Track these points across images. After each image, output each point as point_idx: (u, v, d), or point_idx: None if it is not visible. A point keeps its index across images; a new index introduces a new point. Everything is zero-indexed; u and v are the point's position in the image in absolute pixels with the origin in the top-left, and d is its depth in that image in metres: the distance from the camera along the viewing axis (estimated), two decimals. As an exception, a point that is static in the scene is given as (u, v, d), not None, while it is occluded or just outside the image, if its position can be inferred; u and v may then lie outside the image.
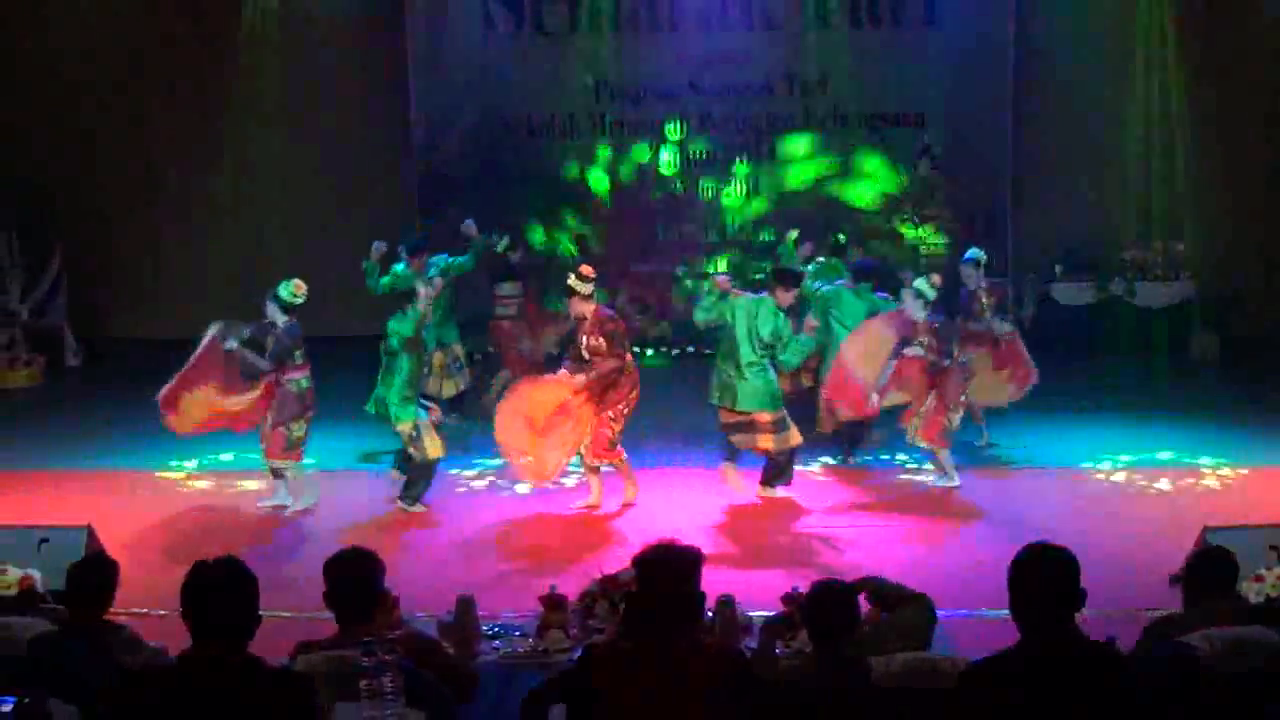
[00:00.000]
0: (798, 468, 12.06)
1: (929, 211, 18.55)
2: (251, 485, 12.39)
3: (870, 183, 18.58)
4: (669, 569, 5.32)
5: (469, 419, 14.22)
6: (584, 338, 11.52)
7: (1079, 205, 18.40)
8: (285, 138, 18.99)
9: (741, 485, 11.83)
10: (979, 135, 18.36)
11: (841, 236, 14.91)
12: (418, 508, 11.65)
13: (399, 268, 13.88)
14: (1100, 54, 18.20)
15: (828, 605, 6.14)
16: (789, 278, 11.80)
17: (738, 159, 18.68)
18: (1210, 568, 6.61)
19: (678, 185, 18.80)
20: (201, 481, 12.82)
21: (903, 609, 6.75)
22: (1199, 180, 18.22)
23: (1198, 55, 18.03)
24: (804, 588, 6.57)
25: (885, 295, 13.15)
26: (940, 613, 8.77)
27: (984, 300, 13.12)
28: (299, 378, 11.59)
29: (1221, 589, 6.50)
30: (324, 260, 16.61)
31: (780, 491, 11.82)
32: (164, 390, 11.62)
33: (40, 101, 18.93)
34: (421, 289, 11.74)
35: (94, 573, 6.72)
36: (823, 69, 18.38)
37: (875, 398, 12.13)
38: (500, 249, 14.89)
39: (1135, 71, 18.24)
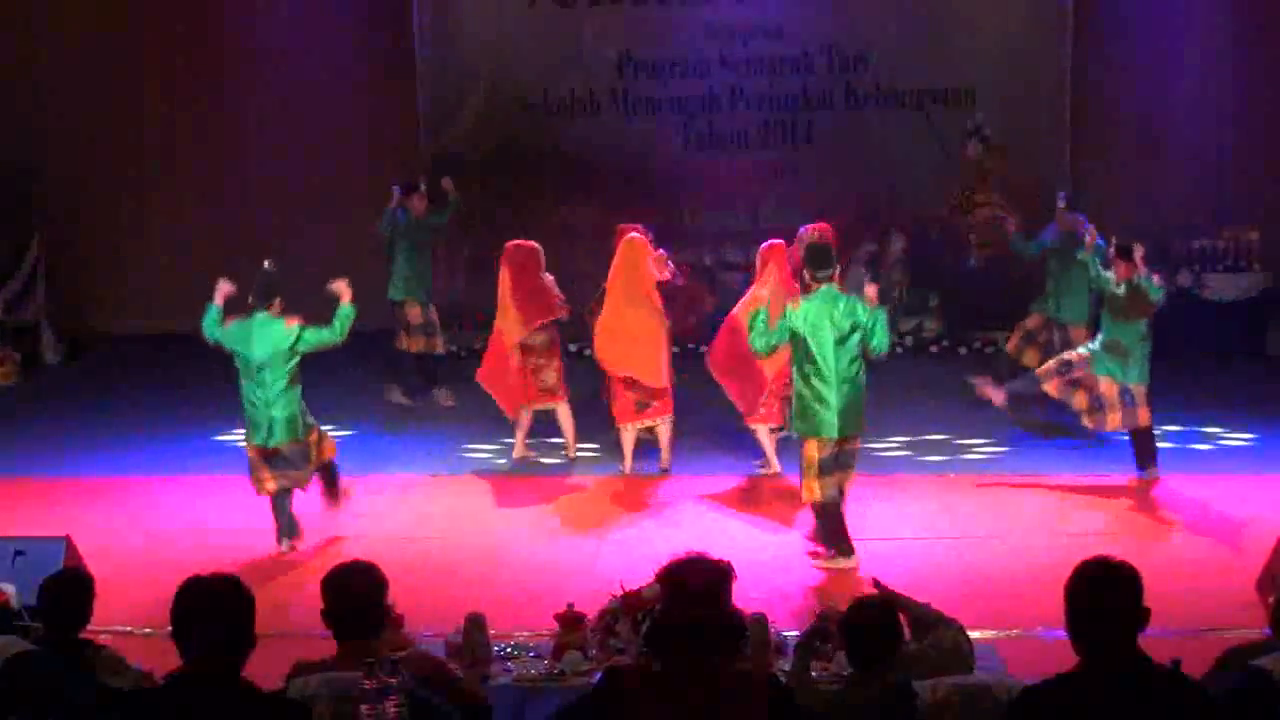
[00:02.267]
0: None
1: (980, 198, 18.49)
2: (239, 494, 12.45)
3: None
4: (698, 585, 5.29)
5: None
6: None
7: (1144, 189, 18.32)
8: (282, 120, 19.01)
9: None
10: (1034, 114, 18.30)
11: None
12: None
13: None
14: (1168, 23, 18.13)
15: (868, 625, 6.14)
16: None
17: (772, 140, 18.64)
18: None
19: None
20: (188, 488, 12.86)
21: (938, 631, 6.74)
22: (1274, 161, 18.13)
23: (1276, 21, 17.98)
24: (841, 605, 6.57)
25: None
26: (990, 632, 8.85)
27: None
28: None
29: None
30: (325, 251, 16.63)
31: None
32: None
33: (19, 87, 19.00)
34: None
35: (68, 589, 6.74)
36: (865, 42, 18.34)
37: None
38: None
39: (1207, 42, 18.18)
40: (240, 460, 12.11)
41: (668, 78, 18.54)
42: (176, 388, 16.57)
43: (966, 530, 11.39)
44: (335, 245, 16.78)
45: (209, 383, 15.70)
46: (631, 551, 10.82)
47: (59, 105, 19.11)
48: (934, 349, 17.94)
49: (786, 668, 6.91)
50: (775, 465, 12.84)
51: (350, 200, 18.30)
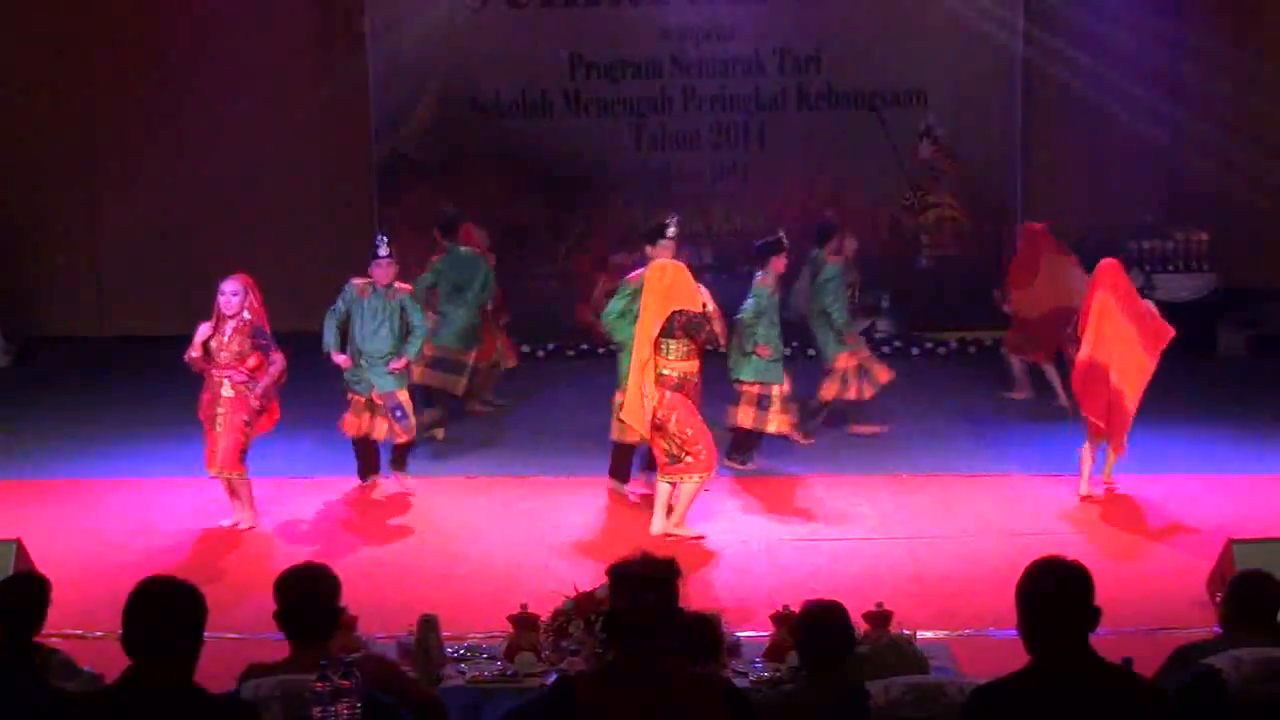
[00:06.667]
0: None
1: (931, 199, 18.56)
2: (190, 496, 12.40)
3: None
4: (645, 583, 5.30)
5: None
6: None
7: (1094, 191, 18.42)
8: (233, 123, 18.92)
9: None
10: (986, 116, 18.37)
11: None
12: None
13: None
14: (1119, 26, 18.22)
15: (822, 627, 6.15)
16: None
17: (724, 141, 18.68)
18: (1253, 597, 6.49)
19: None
20: (140, 491, 12.80)
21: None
22: (1224, 163, 18.23)
23: (1225, 24, 18.08)
24: (795, 606, 6.58)
25: None
26: (942, 632, 8.89)
27: None
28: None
29: (1262, 619, 6.40)
30: (274, 253, 16.58)
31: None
32: None
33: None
34: None
35: (23, 591, 6.70)
36: (816, 42, 18.38)
37: None
38: None
39: (1158, 46, 18.28)
40: (191, 463, 12.11)
41: (620, 78, 18.56)
42: (127, 390, 16.49)
43: (919, 530, 11.41)
44: (287, 246, 16.72)
45: (160, 384, 15.66)
46: (585, 552, 10.84)
47: (9, 106, 18.99)
48: (886, 349, 18.00)
49: (740, 668, 6.93)
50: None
51: (302, 201, 18.25)
